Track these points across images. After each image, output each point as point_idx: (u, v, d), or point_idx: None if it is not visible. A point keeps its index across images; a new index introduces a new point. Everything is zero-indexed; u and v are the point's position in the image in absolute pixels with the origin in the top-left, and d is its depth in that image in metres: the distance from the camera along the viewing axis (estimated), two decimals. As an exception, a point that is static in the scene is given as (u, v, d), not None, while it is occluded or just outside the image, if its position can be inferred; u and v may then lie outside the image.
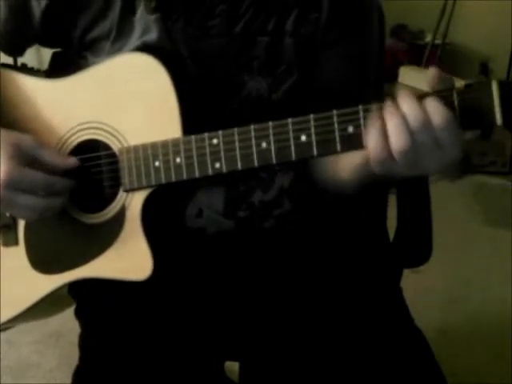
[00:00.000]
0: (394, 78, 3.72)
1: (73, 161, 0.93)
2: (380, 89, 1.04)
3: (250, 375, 1.08)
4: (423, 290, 2.13)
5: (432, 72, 0.77)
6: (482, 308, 2.18)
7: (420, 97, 0.76)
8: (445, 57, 3.94)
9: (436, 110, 0.74)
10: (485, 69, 4.01)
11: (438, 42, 3.93)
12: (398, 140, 0.75)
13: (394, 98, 0.77)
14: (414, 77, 3.70)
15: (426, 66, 3.88)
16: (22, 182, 0.88)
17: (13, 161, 0.87)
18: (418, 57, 3.96)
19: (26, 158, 0.89)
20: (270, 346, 1.01)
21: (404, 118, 0.75)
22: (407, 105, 0.76)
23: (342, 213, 1.06)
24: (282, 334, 1.01)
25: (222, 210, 0.98)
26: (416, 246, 1.11)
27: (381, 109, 0.77)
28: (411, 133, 0.75)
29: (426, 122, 0.74)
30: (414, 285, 1.57)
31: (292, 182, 1.01)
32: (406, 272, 1.12)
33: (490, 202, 3.06)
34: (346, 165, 0.90)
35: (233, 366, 1.16)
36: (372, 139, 0.77)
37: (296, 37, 0.96)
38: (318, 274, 1.03)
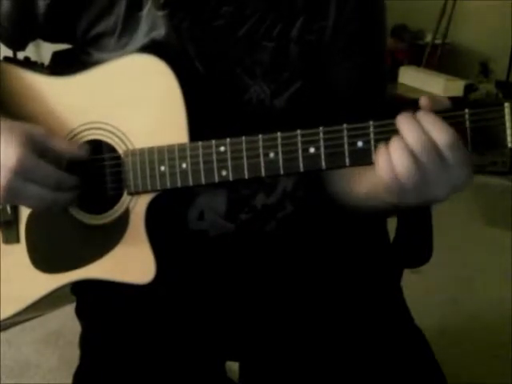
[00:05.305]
0: (394, 77, 3.72)
1: (85, 150, 0.91)
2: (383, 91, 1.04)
3: (250, 375, 1.08)
4: (423, 290, 2.13)
5: (424, 101, 0.76)
6: (482, 308, 2.18)
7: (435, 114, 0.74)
8: (445, 57, 3.94)
9: (435, 128, 0.73)
10: (485, 69, 4.02)
11: (438, 41, 3.94)
12: (400, 164, 0.74)
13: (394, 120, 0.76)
14: (414, 77, 3.71)
15: (426, 66, 3.89)
16: (34, 172, 0.86)
17: (25, 149, 0.86)
18: (418, 57, 3.97)
19: (38, 147, 0.87)
20: (270, 345, 1.01)
21: (404, 141, 0.74)
22: (406, 126, 0.74)
23: (343, 215, 1.06)
24: (283, 334, 1.01)
25: (224, 212, 0.98)
26: (416, 246, 1.11)
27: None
28: (413, 155, 0.74)
29: (427, 142, 0.73)
30: (414, 285, 1.56)
31: (295, 186, 1.01)
32: (406, 272, 1.12)
33: (490, 202, 3.06)
34: (363, 186, 0.89)
35: (233, 366, 1.16)
36: (379, 161, 0.76)
37: (301, 44, 0.95)
38: (319, 274, 1.03)
